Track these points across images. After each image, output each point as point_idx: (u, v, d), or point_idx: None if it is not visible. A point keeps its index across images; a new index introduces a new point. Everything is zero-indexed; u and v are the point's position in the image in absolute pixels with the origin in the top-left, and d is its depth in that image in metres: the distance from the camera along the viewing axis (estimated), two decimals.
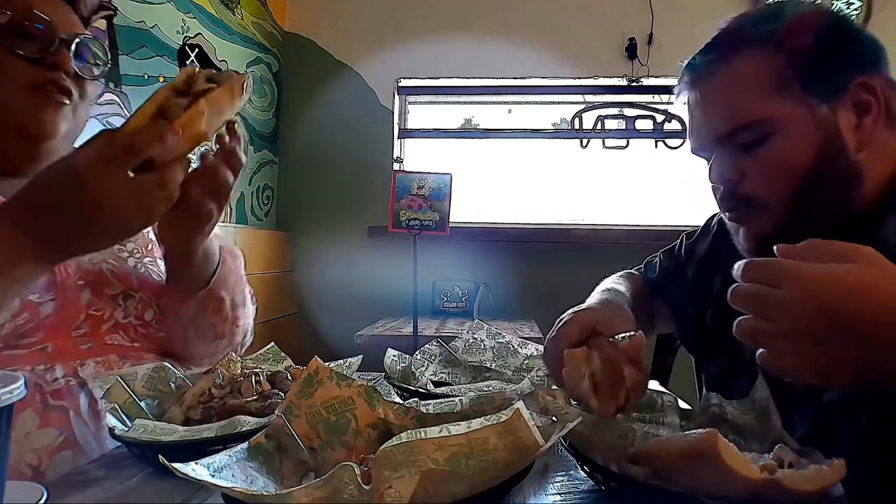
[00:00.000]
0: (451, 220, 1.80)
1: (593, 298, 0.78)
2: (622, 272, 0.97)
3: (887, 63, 0.66)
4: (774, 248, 0.48)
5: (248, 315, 0.90)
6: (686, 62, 0.73)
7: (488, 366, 0.91)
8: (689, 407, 0.68)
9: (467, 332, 0.97)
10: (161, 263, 0.85)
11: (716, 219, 0.90)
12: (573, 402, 0.64)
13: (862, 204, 0.65)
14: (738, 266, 0.48)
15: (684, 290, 0.90)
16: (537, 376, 0.76)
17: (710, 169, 0.71)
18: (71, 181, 0.57)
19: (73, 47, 0.73)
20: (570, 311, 0.69)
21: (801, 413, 0.67)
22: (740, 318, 0.48)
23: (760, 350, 0.47)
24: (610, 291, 0.80)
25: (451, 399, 0.60)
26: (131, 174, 0.58)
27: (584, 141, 2.63)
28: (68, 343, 0.71)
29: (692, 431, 0.45)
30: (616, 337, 0.60)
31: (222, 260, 0.83)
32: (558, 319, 0.69)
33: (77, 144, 0.81)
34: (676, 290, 0.91)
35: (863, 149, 0.64)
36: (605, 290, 0.81)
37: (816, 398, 0.65)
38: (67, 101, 0.74)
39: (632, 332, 0.60)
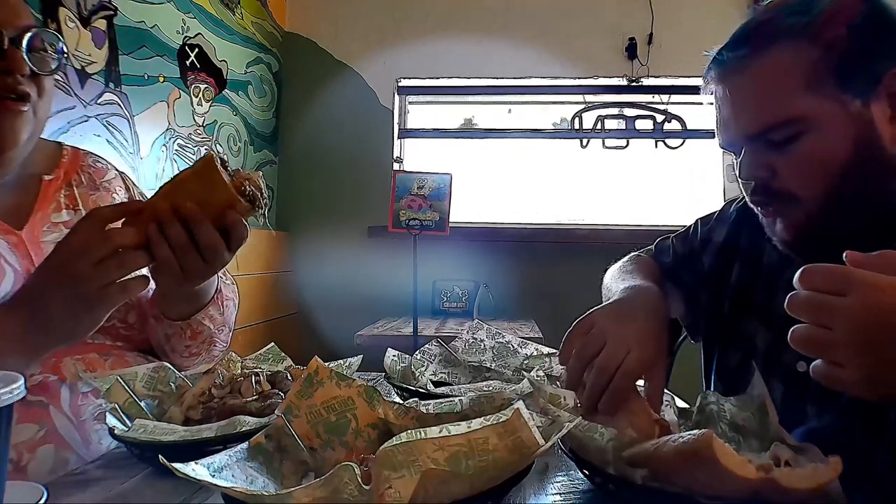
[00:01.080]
0: (451, 220, 1.80)
1: (626, 296, 0.73)
2: (633, 256, 0.94)
3: None
4: (844, 255, 0.45)
5: (227, 334, 0.89)
6: (713, 55, 0.71)
7: (488, 366, 0.91)
8: (686, 406, 0.68)
9: (467, 332, 0.97)
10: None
11: (734, 206, 0.88)
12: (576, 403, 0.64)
13: None
14: (798, 272, 0.45)
15: (699, 278, 0.88)
16: (537, 376, 0.76)
17: (739, 165, 0.69)
18: (48, 271, 0.60)
19: (24, 44, 0.65)
20: (620, 331, 0.64)
21: (820, 406, 0.67)
22: (796, 325, 0.46)
23: (816, 361, 0.45)
24: (640, 290, 0.75)
25: (451, 399, 0.60)
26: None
27: (584, 141, 2.63)
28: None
29: (688, 432, 0.45)
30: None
31: (213, 300, 0.80)
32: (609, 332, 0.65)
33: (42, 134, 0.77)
34: (689, 278, 0.89)
35: None
36: (634, 289, 0.76)
37: (839, 393, 0.63)
38: (26, 108, 0.68)
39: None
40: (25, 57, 0.66)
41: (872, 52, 0.62)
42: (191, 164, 0.66)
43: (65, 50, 0.72)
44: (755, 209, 0.73)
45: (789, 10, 0.65)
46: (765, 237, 0.75)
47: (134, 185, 0.92)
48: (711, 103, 0.73)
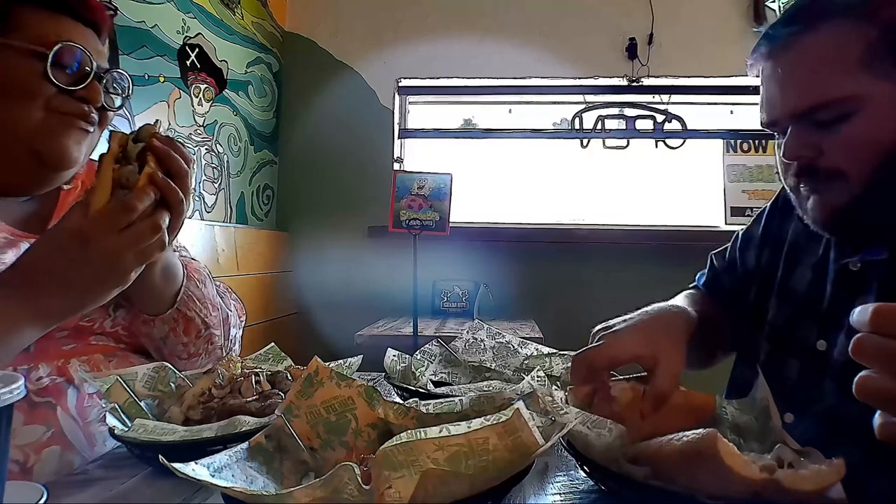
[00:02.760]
0: (451, 220, 1.80)
1: (641, 312, 0.74)
2: (685, 292, 0.92)
3: None
4: None
5: (231, 329, 0.88)
6: (763, 31, 0.68)
7: (488, 366, 0.91)
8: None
9: (467, 332, 0.97)
10: None
11: (768, 204, 0.87)
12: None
13: None
14: (861, 311, 0.40)
15: (743, 278, 0.86)
16: (537, 376, 0.76)
17: (784, 145, 0.66)
18: (73, 242, 0.60)
19: (104, 81, 0.74)
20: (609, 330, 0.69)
21: (840, 385, 0.66)
22: (862, 373, 0.40)
23: (882, 418, 0.40)
24: (657, 306, 0.75)
25: (451, 399, 0.60)
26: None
27: (585, 141, 2.63)
28: (50, 343, 0.71)
29: (691, 431, 0.45)
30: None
31: (186, 277, 0.81)
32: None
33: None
34: (730, 282, 0.88)
35: None
36: (653, 306, 0.75)
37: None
38: (92, 129, 0.75)
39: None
40: (102, 92, 0.74)
41: None
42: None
43: (130, 92, 0.81)
44: (789, 191, 0.71)
45: None
46: (792, 218, 0.74)
47: None
48: (757, 75, 0.70)
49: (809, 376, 0.70)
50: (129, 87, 0.80)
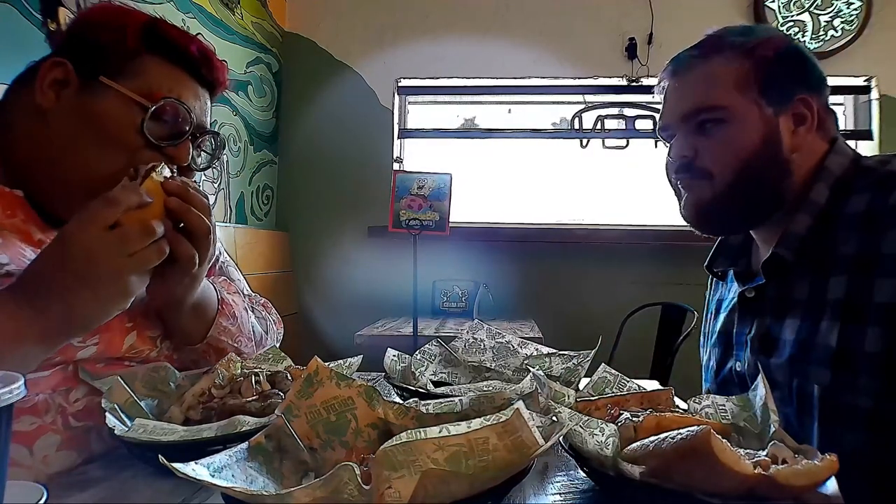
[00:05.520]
0: (451, 220, 1.80)
1: None
2: None
3: (828, 93, 0.81)
4: None
5: (252, 344, 0.88)
6: (672, 56, 0.85)
7: (488, 366, 0.91)
8: (685, 407, 0.68)
9: (467, 332, 0.97)
10: None
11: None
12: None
13: (792, 194, 0.78)
14: None
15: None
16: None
17: (671, 146, 0.83)
18: (58, 245, 0.58)
19: (197, 142, 0.74)
20: None
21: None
22: None
23: None
24: None
25: (451, 399, 0.60)
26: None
27: (584, 141, 2.63)
28: (88, 365, 0.69)
29: (686, 429, 0.45)
30: None
31: (219, 312, 0.79)
32: None
33: None
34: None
35: (795, 151, 0.78)
36: None
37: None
38: None
39: None
40: (193, 153, 0.74)
41: (789, 77, 0.78)
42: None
43: (220, 154, 0.81)
44: (674, 187, 0.86)
45: (736, 33, 0.82)
46: (716, 301, 0.93)
47: None
48: (663, 90, 0.86)
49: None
50: (220, 151, 0.78)
